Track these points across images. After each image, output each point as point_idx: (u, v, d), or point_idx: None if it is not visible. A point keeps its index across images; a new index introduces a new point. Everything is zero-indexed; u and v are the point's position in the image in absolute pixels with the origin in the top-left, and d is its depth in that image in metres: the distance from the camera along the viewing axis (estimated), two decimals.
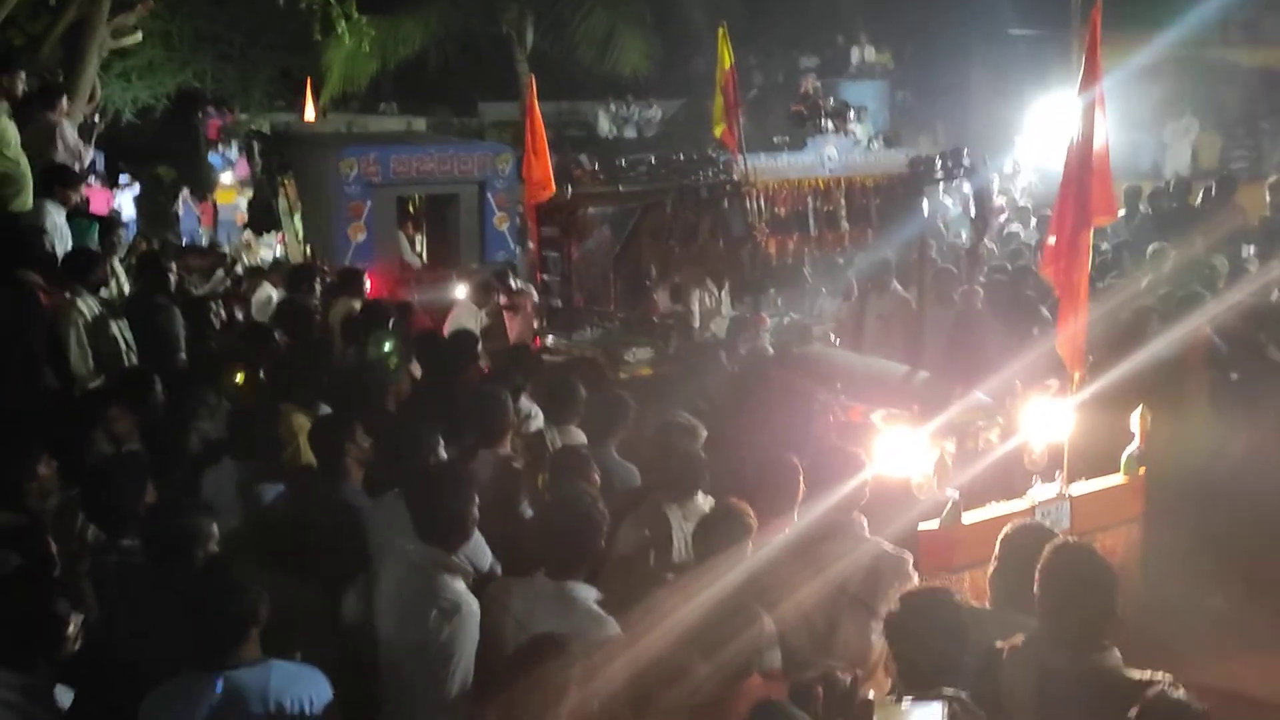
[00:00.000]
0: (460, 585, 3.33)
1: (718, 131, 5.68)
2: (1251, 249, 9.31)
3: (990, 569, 3.62)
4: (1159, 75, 14.85)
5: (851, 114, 6.12)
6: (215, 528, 3.55)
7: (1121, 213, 11.31)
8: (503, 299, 7.77)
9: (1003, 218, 13.00)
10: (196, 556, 3.41)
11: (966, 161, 6.04)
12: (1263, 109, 15.91)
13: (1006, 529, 3.63)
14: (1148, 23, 15.56)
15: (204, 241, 13.00)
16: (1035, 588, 3.09)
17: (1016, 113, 15.62)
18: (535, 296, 7.39)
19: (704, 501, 4.12)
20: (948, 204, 11.79)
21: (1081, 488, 4.93)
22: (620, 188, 6.37)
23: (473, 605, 3.30)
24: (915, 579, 3.77)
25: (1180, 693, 2.72)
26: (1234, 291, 7.11)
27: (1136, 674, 2.93)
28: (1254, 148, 15.65)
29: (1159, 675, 2.88)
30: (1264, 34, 15.86)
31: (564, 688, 2.84)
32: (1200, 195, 11.68)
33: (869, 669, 3.56)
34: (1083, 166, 4.62)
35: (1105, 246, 9.67)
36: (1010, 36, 16.63)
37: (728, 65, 5.52)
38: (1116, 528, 4.99)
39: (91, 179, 13.52)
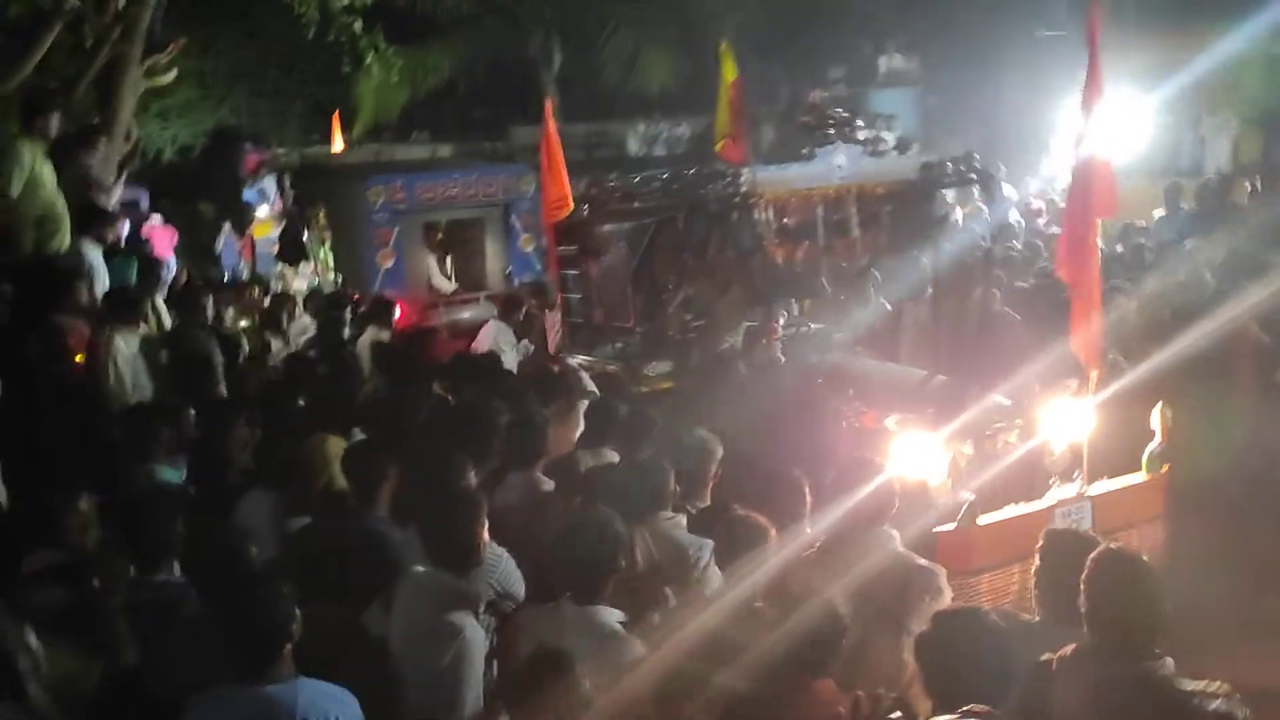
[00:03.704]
0: (464, 613, 3.35)
1: (718, 146, 5.72)
2: None
3: (1034, 579, 3.56)
4: (1196, 70, 14.63)
5: (860, 122, 6.13)
6: (254, 550, 3.64)
7: (1160, 211, 11.17)
8: (533, 306, 7.84)
9: (1042, 220, 12.88)
10: (233, 576, 3.46)
11: (978, 165, 6.01)
12: None
13: (1043, 537, 3.56)
14: (1180, 16, 15.37)
15: (245, 275, 13.28)
16: (1081, 599, 3.04)
17: (1049, 115, 15.44)
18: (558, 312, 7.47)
19: (669, 517, 4.07)
20: (984, 208, 11.68)
21: (1102, 487, 4.89)
22: (635, 204, 6.45)
23: (476, 633, 3.33)
24: (947, 593, 3.74)
25: (1239, 706, 2.67)
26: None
27: (1191, 684, 2.88)
28: None
29: (1214, 685, 2.83)
30: None
31: (572, 707, 2.86)
32: (1246, 190, 11.46)
33: (902, 688, 3.52)
34: (1087, 165, 4.60)
35: (1149, 245, 9.52)
36: (1038, 39, 16.48)
37: (731, 79, 5.57)
38: (1140, 526, 4.93)
39: (155, 218, 13.91)
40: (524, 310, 7.97)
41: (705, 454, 4.43)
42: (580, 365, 6.79)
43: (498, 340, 8.00)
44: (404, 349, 7.10)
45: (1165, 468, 5.08)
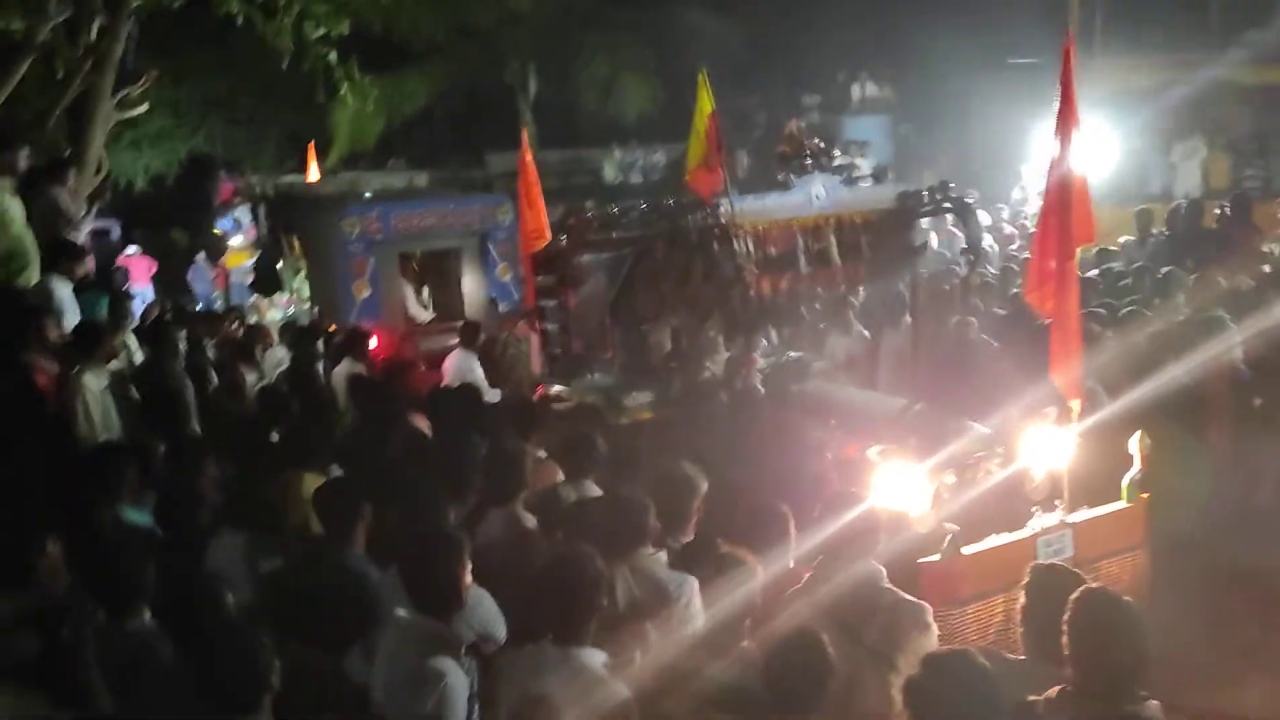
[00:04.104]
0: (447, 658, 3.29)
1: (688, 176, 5.70)
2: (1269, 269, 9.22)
3: (1019, 617, 3.54)
4: (1165, 97, 14.87)
5: (837, 151, 6.15)
6: (230, 596, 3.56)
7: (1125, 239, 11.28)
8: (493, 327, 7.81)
9: (1014, 246, 13.00)
10: (211, 626, 3.38)
11: (954, 193, 6.04)
12: (1271, 128, 15.86)
13: (1028, 573, 3.54)
14: (1151, 46, 15.64)
15: (218, 305, 13.18)
16: (1063, 639, 3.03)
17: (1020, 141, 15.67)
18: (524, 346, 7.43)
19: (650, 553, 4.02)
20: (958, 234, 11.79)
21: (1083, 515, 4.88)
22: (613, 234, 6.43)
23: (458, 678, 3.27)
24: (934, 630, 3.71)
25: None
26: (1257, 315, 7.01)
27: None
28: (1264, 167, 15.59)
29: None
30: (1269, 53, 15.86)
31: None
32: (1216, 216, 11.62)
33: None
34: (1063, 194, 4.62)
35: (1122, 270, 9.60)
36: (1009, 66, 16.72)
37: (709, 110, 5.57)
38: (1121, 554, 4.92)
39: (132, 249, 13.79)
40: (484, 335, 7.94)
41: (689, 489, 4.38)
42: (559, 396, 6.76)
43: (460, 369, 7.96)
44: (380, 382, 7.03)
45: (1145, 496, 5.08)
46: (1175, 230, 11.35)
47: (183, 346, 7.93)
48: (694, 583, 3.81)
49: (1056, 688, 3.03)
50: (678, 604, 3.84)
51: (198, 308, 12.85)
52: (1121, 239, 11.09)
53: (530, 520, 4.60)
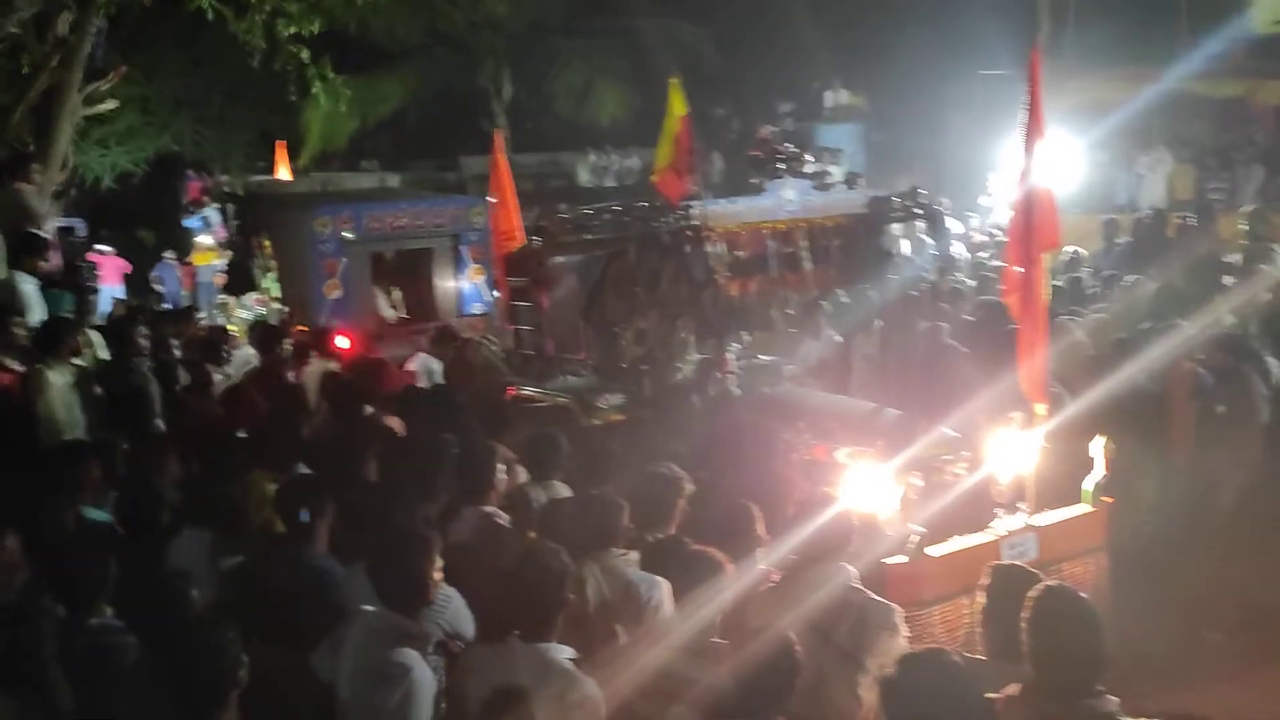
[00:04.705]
0: (413, 652, 3.28)
1: (655, 178, 5.74)
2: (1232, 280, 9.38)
3: (979, 618, 3.57)
4: (1130, 110, 15.09)
5: (809, 157, 6.20)
6: (195, 593, 3.52)
7: (1078, 249, 11.40)
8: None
9: (985, 253, 13.14)
10: (177, 622, 3.36)
11: (924, 199, 6.11)
12: (1234, 140, 16.13)
13: (987, 574, 3.57)
14: (1119, 59, 15.86)
15: (185, 303, 13.05)
16: (1023, 637, 3.05)
17: (989, 150, 15.83)
18: (495, 347, 7.42)
19: (622, 554, 4.03)
20: (926, 240, 11.89)
21: (1047, 518, 4.94)
22: (586, 236, 6.44)
23: (424, 673, 3.26)
24: (904, 630, 3.74)
25: None
26: (1211, 322, 7.14)
27: None
28: (1229, 179, 15.82)
29: None
30: (1233, 66, 16.14)
31: None
32: (1179, 226, 11.80)
33: None
34: (1029, 201, 4.69)
35: (1089, 280, 9.72)
36: (980, 77, 16.90)
37: (680, 114, 5.60)
38: (1084, 556, 4.98)
39: (103, 247, 13.62)
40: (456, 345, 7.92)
41: (672, 487, 4.41)
42: (531, 397, 6.75)
43: (421, 370, 7.93)
44: (351, 380, 6.98)
45: (1107, 499, 5.14)
46: (1139, 239, 11.52)
47: (146, 344, 7.83)
48: (665, 585, 3.81)
49: (1016, 685, 3.06)
50: (647, 605, 3.85)
51: (165, 306, 12.73)
52: (1072, 248, 11.10)
53: (503, 519, 4.60)
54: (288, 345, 7.95)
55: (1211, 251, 10.35)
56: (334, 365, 7.64)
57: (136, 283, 14.62)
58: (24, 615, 3.53)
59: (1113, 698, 2.95)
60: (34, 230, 7.41)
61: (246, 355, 8.60)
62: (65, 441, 5.64)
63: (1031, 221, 4.68)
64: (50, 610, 3.59)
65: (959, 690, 2.93)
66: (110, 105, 9.73)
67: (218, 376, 7.89)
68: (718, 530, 4.05)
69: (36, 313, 6.82)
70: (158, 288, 14.07)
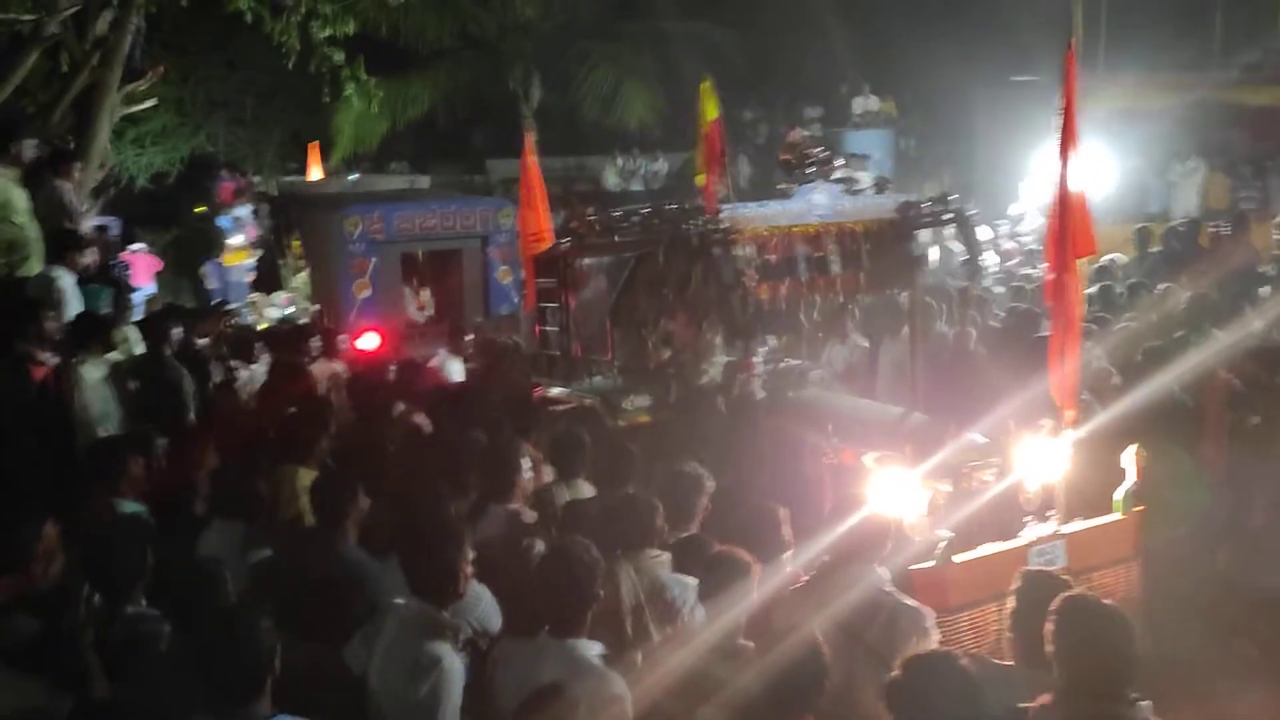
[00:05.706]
0: (444, 643, 3.31)
1: (699, 180, 5.76)
2: (1267, 289, 9.29)
3: (1006, 624, 3.55)
4: (1164, 117, 14.95)
5: (840, 161, 6.18)
6: (229, 581, 3.56)
7: (1116, 255, 11.33)
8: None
9: (1014, 261, 13.06)
10: (214, 609, 3.41)
11: (954, 205, 6.08)
12: (1268, 149, 15.95)
13: (1017, 579, 3.55)
14: (1153, 66, 15.73)
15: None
16: (1048, 644, 3.03)
17: (1020, 157, 15.72)
18: (521, 346, 7.46)
19: (655, 555, 4.04)
20: (957, 247, 11.83)
21: (1076, 526, 4.91)
22: (615, 238, 6.46)
23: (454, 663, 3.29)
24: (935, 634, 3.72)
25: None
26: (1244, 333, 7.06)
27: None
28: (1262, 188, 15.64)
29: None
30: (1267, 74, 15.96)
31: None
32: (1212, 235, 11.67)
33: None
34: (1064, 208, 4.66)
35: (1120, 289, 9.66)
36: (1011, 83, 16.80)
37: (712, 117, 5.61)
38: (1114, 566, 4.95)
39: (139, 246, 13.78)
40: (468, 339, 7.98)
41: (696, 486, 4.42)
42: (557, 398, 6.78)
43: (442, 370, 7.99)
44: (380, 379, 7.06)
45: (1139, 509, 5.10)
46: (1172, 249, 11.41)
47: (180, 340, 7.92)
48: (694, 584, 3.83)
49: (1047, 694, 3.04)
50: (678, 606, 3.87)
51: (208, 305, 12.83)
52: (1108, 256, 11.02)
53: (530, 516, 4.63)
54: (315, 343, 8.03)
55: (1245, 261, 10.25)
56: (340, 366, 7.72)
57: (174, 282, 14.77)
58: (62, 604, 3.59)
59: (1146, 702, 2.93)
60: (73, 227, 7.51)
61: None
62: (109, 437, 5.73)
63: (1066, 228, 4.65)
64: (89, 597, 3.65)
65: (965, 691, 2.92)
66: (149, 104, 9.86)
67: (244, 373, 8.00)
68: (744, 532, 4.05)
69: (73, 307, 6.92)
70: (210, 285, 14.20)
